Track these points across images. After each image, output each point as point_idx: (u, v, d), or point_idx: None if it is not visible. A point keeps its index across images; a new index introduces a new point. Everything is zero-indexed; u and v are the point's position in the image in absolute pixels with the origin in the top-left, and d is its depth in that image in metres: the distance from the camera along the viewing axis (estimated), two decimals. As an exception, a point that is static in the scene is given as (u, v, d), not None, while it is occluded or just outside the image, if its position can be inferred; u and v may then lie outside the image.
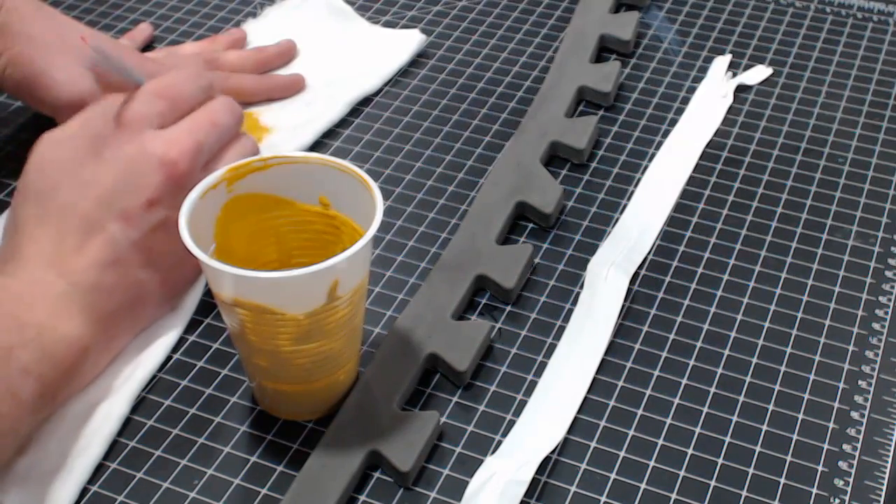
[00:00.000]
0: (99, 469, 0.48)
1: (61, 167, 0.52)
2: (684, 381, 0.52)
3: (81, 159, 0.52)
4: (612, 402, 0.51)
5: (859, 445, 0.49)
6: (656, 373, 0.53)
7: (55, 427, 0.49)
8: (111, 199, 0.51)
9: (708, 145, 0.66)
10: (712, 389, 0.52)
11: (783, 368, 0.53)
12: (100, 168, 0.51)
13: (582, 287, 0.57)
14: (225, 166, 0.49)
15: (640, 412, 0.51)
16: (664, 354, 0.54)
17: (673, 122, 0.68)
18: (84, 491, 0.47)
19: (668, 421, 0.50)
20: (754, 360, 0.53)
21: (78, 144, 0.52)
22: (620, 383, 0.52)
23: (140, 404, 0.51)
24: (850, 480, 0.48)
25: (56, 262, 0.50)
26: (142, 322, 0.53)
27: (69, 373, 0.49)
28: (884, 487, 0.48)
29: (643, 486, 0.48)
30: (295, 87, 0.70)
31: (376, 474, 0.48)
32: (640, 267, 0.58)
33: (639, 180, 0.64)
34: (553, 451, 0.49)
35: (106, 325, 0.51)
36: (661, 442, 0.49)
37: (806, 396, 0.52)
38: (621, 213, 0.61)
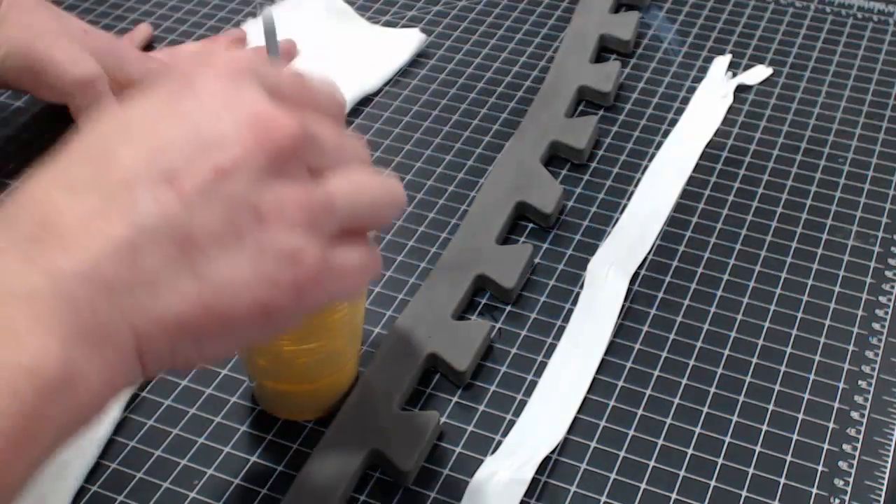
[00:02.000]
0: (99, 469, 0.48)
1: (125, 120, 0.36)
2: (684, 381, 0.52)
3: (158, 108, 0.35)
4: (612, 402, 0.51)
5: (859, 445, 0.49)
6: (656, 373, 0.53)
7: None
8: (163, 155, 0.34)
9: (708, 145, 0.66)
10: (712, 389, 0.52)
11: (783, 368, 0.53)
12: (174, 115, 0.35)
13: (582, 287, 0.57)
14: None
15: (640, 412, 0.51)
16: (664, 354, 0.54)
17: (673, 122, 0.68)
18: (84, 491, 0.47)
19: (668, 421, 0.50)
20: (754, 360, 0.53)
21: (154, 95, 0.36)
22: (620, 383, 0.52)
23: (140, 404, 0.51)
24: (850, 480, 0.48)
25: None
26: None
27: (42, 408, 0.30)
28: (884, 487, 0.48)
29: (643, 486, 0.48)
30: None
31: (376, 474, 0.48)
32: (640, 267, 0.58)
33: (639, 180, 0.64)
34: (553, 451, 0.49)
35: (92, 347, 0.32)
36: (661, 442, 0.49)
37: (806, 396, 0.52)
38: (621, 213, 0.61)
